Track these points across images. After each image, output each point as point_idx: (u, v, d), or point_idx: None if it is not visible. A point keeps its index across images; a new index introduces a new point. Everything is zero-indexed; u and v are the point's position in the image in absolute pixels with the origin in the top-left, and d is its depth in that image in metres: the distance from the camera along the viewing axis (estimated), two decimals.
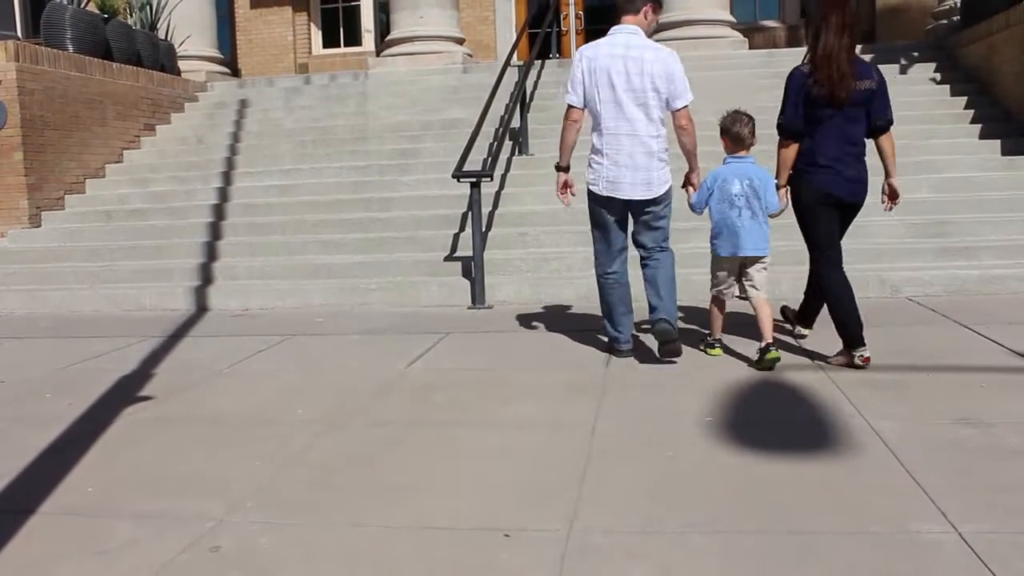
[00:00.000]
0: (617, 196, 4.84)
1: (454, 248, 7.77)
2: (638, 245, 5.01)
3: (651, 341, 5.11)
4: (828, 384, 4.35)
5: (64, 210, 9.77)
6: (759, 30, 15.35)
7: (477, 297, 6.99)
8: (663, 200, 4.90)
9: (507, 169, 8.87)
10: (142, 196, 9.85)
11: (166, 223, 9.12)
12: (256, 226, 8.71)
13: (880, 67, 11.16)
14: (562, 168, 5.05)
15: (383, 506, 3.04)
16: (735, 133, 4.89)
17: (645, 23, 4.92)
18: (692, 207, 5.07)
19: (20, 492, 3.33)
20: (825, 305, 4.93)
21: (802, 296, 5.50)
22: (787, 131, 4.67)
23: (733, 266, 4.95)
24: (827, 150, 4.60)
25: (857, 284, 6.70)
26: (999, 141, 8.88)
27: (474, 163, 8.04)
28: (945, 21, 12.14)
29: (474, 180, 7.01)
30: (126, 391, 4.86)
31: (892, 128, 4.83)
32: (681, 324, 5.41)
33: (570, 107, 4.90)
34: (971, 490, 2.96)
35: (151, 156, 10.85)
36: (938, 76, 10.65)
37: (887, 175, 4.85)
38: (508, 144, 9.05)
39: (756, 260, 4.91)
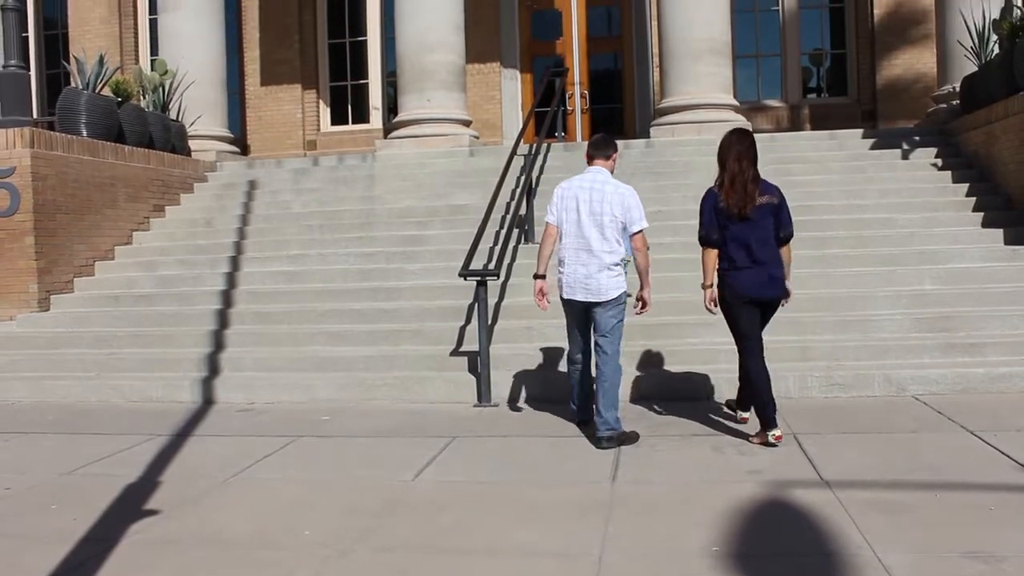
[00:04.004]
0: (575, 299, 5.80)
1: (460, 342, 7.79)
2: (595, 344, 5.90)
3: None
4: (835, 506, 4.33)
5: (73, 293, 9.84)
6: (762, 110, 15.56)
7: (483, 395, 7.00)
8: (612, 304, 5.74)
9: (513, 259, 8.92)
10: (150, 280, 9.93)
11: (173, 309, 9.18)
12: (263, 315, 8.76)
13: (882, 152, 11.39)
14: (539, 276, 5.99)
15: None
16: None
17: (611, 165, 6.05)
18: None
19: None
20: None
21: (747, 385, 5.84)
22: (705, 241, 5.64)
23: None
24: (740, 256, 5.50)
25: (863, 382, 6.83)
26: (1002, 230, 8.95)
27: (481, 252, 8.11)
28: (945, 105, 12.30)
29: (480, 278, 7.07)
30: (132, 503, 4.84)
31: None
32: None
33: (548, 224, 5.99)
34: None
35: (160, 238, 10.96)
36: (939, 162, 10.76)
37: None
38: (514, 231, 9.12)
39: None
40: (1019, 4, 10.39)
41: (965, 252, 8.70)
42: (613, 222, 5.73)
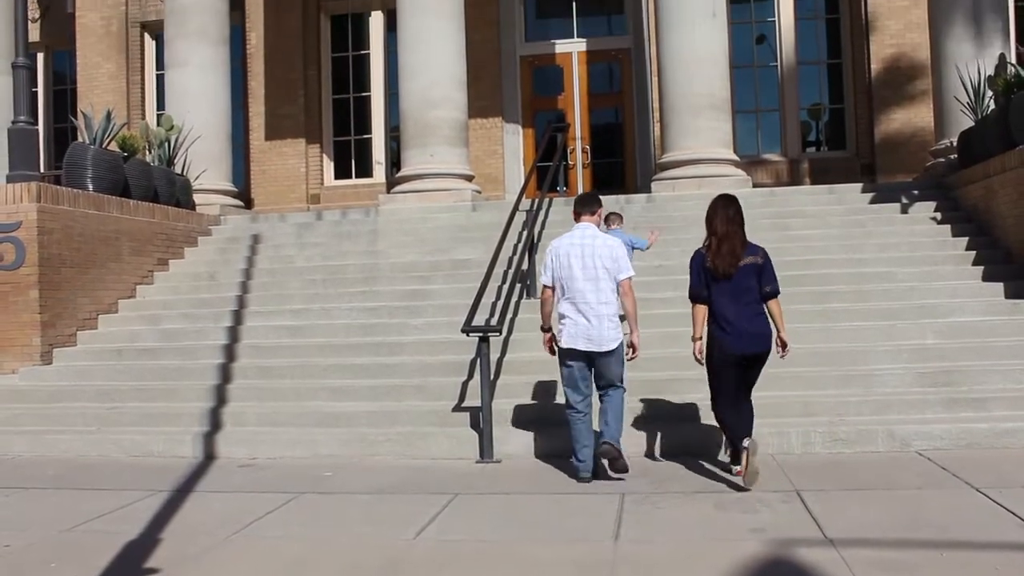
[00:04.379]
0: (576, 348, 6.13)
1: (463, 397, 7.78)
2: (597, 386, 6.27)
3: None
4: (839, 565, 4.29)
5: (76, 347, 9.86)
6: (762, 164, 15.72)
7: (485, 451, 6.97)
8: (614, 353, 6.13)
9: (515, 314, 8.95)
10: (153, 334, 9.96)
11: (176, 363, 9.19)
12: (265, 370, 8.77)
13: (881, 206, 11.50)
14: (546, 330, 6.44)
15: None
16: None
17: (598, 220, 6.57)
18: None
19: None
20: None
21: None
22: (694, 298, 6.00)
23: None
24: (726, 313, 5.84)
25: (866, 438, 6.81)
26: (1002, 284, 9.00)
27: (484, 307, 8.13)
28: (943, 159, 12.42)
29: (483, 334, 7.09)
30: (132, 561, 4.81)
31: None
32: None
33: (544, 286, 6.40)
34: None
35: (164, 292, 11.01)
36: (939, 216, 10.84)
37: (778, 331, 5.97)
38: (517, 286, 9.16)
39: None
40: (1012, 61, 10.56)
41: (966, 306, 8.73)
42: (606, 273, 6.15)
